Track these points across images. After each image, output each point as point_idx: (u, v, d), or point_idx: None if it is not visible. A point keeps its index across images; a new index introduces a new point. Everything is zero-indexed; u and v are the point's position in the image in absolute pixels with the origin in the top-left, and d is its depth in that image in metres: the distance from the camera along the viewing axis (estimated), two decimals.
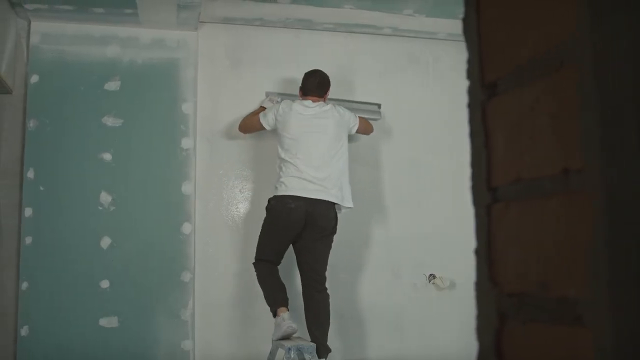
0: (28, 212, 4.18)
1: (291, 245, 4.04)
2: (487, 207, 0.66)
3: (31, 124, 4.25)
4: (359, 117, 4.35)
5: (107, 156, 4.31)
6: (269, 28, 4.65)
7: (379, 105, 4.68)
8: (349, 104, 4.44)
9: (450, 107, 4.87)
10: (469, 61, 0.70)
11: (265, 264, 3.99)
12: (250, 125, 4.30)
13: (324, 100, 4.21)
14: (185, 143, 4.42)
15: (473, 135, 0.68)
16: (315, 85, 4.19)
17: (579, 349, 0.52)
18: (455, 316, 4.68)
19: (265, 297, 3.94)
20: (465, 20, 0.70)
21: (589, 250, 0.51)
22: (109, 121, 4.33)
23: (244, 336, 4.32)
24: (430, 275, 4.68)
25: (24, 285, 4.13)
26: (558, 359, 0.55)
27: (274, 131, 4.18)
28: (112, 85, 4.37)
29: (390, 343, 4.60)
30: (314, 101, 4.14)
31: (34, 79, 4.29)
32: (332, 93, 4.34)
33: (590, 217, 0.50)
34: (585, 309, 0.51)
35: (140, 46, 4.44)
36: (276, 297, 3.91)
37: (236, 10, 4.35)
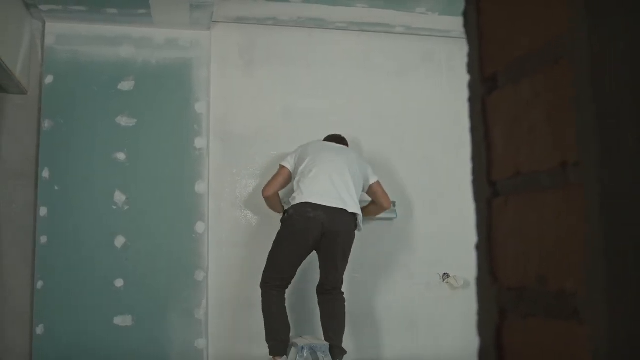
0: (43, 211, 4.21)
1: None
2: (487, 202, 0.65)
3: (46, 124, 4.28)
4: (380, 183, 4.23)
5: (121, 156, 4.33)
6: (282, 27, 4.66)
7: (393, 204, 4.56)
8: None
9: (463, 105, 4.83)
10: (469, 55, 0.69)
11: (274, 292, 3.86)
12: (274, 181, 4.14)
13: None
14: (199, 142, 4.43)
15: (473, 129, 0.68)
16: (331, 137, 4.26)
17: (576, 344, 0.52)
18: (469, 316, 4.66)
19: (267, 332, 3.86)
20: (465, 15, 0.70)
21: (586, 244, 0.50)
22: (123, 121, 4.36)
23: (257, 335, 4.31)
24: (444, 274, 4.67)
25: (39, 284, 4.16)
26: (556, 354, 0.55)
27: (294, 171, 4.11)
28: (126, 85, 4.39)
29: (404, 342, 4.59)
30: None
31: (49, 79, 4.33)
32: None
33: (586, 211, 0.50)
34: (581, 303, 0.51)
35: (153, 46, 4.46)
36: (278, 339, 3.83)
37: (249, 9, 4.36)
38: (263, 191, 4.15)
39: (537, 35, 0.58)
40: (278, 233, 3.94)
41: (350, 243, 3.96)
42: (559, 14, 0.55)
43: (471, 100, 0.68)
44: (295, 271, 3.95)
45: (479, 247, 0.67)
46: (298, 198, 3.85)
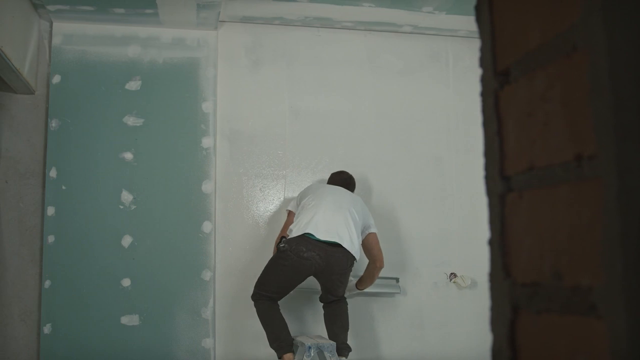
0: (50, 211, 4.22)
1: None
2: (500, 197, 0.65)
3: (53, 123, 4.29)
4: (376, 235, 4.18)
5: (128, 155, 4.33)
6: (288, 27, 4.65)
7: (397, 280, 4.56)
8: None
9: (471, 104, 4.84)
10: (482, 49, 0.69)
11: (266, 301, 3.89)
12: (284, 229, 4.14)
13: None
14: (206, 142, 4.43)
15: (486, 124, 0.67)
16: (341, 180, 4.23)
17: (593, 338, 0.51)
18: (476, 315, 4.65)
19: (269, 338, 3.88)
20: (477, 9, 0.70)
21: (603, 238, 0.50)
22: (130, 121, 4.36)
23: (263, 334, 4.30)
24: (451, 274, 4.66)
25: (47, 284, 4.17)
26: (572, 349, 0.54)
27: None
28: (133, 85, 4.40)
29: (411, 342, 4.58)
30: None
31: (56, 79, 4.34)
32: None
33: (604, 204, 0.49)
34: (599, 297, 0.50)
35: (160, 46, 4.46)
36: (281, 340, 3.84)
37: (256, 9, 4.36)
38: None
39: (550, 27, 0.58)
40: (271, 258, 3.95)
41: (347, 274, 3.96)
42: (572, 4, 0.55)
43: (483, 94, 0.67)
44: (287, 293, 3.97)
45: (491, 242, 0.66)
46: (295, 231, 3.86)
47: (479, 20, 0.69)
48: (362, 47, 4.77)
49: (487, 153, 0.67)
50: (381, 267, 4.18)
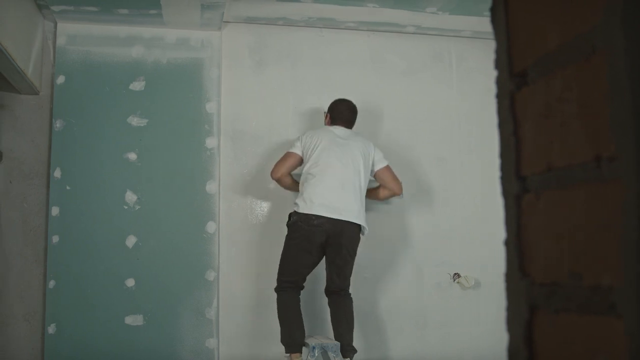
0: (55, 211, 4.23)
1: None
2: (516, 197, 0.65)
3: (58, 124, 4.30)
4: (389, 167, 4.21)
5: (132, 156, 4.34)
6: (292, 27, 4.66)
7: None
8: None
9: (474, 104, 4.85)
10: (497, 51, 0.69)
11: (288, 293, 3.93)
12: (282, 164, 4.11)
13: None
14: (210, 142, 4.44)
15: (502, 124, 0.68)
16: (345, 112, 4.18)
17: (612, 338, 0.52)
18: (480, 316, 4.66)
19: (282, 334, 3.91)
20: (493, 10, 0.70)
21: (622, 238, 0.50)
22: (134, 121, 4.37)
23: (268, 334, 4.32)
24: (455, 274, 4.66)
25: (51, 284, 4.18)
26: (591, 348, 0.55)
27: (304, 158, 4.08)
28: (137, 86, 4.40)
29: (414, 342, 4.58)
30: (342, 128, 4.13)
31: (60, 79, 4.34)
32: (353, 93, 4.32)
33: (623, 205, 0.50)
34: (618, 297, 0.51)
35: (164, 46, 4.47)
36: (293, 339, 3.87)
37: (259, 9, 4.36)
38: (271, 173, 4.14)
39: (568, 29, 0.58)
40: (286, 238, 3.99)
41: (355, 246, 3.99)
42: (590, 6, 0.55)
43: (499, 96, 0.68)
44: (307, 273, 3.99)
45: (507, 242, 0.67)
46: (302, 207, 3.88)
47: (494, 22, 0.70)
48: (365, 48, 4.78)
49: (503, 154, 0.67)
50: (399, 194, 4.29)
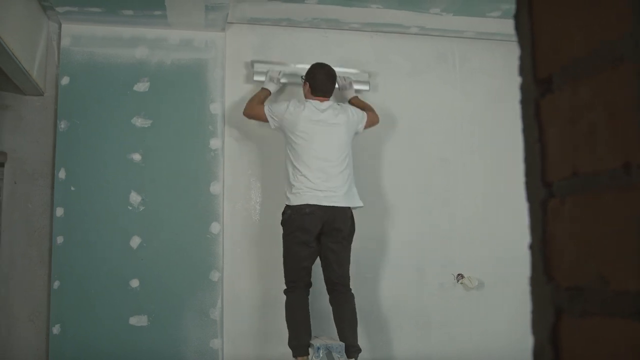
0: (59, 212, 4.24)
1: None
2: (542, 203, 0.66)
3: (62, 125, 4.31)
4: (368, 112, 4.30)
5: (137, 156, 4.35)
6: (296, 28, 4.66)
7: (368, 75, 4.66)
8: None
9: (477, 105, 4.86)
10: (521, 57, 0.70)
11: (296, 294, 3.95)
12: (256, 114, 4.20)
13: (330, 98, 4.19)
14: (214, 143, 4.45)
15: (526, 130, 0.68)
16: (325, 82, 4.14)
17: (638, 343, 0.53)
18: (484, 317, 4.67)
19: (289, 337, 3.93)
20: (517, 17, 0.71)
21: None
22: (138, 122, 4.38)
23: (272, 335, 4.33)
24: (459, 275, 4.67)
25: (56, 284, 4.18)
26: (617, 352, 0.56)
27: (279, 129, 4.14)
28: (141, 86, 4.41)
29: (417, 343, 4.59)
30: (322, 101, 4.11)
31: (65, 80, 4.35)
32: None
33: None
34: None
35: (168, 47, 4.48)
36: (300, 343, 3.89)
37: (263, 10, 4.37)
38: (243, 111, 4.28)
39: (595, 36, 0.59)
40: (282, 237, 4.00)
41: (349, 228, 4.01)
42: (617, 14, 0.56)
43: (523, 102, 0.69)
44: (309, 266, 4.00)
45: (532, 247, 0.68)
46: (293, 200, 3.92)
47: (518, 28, 0.70)
48: (369, 49, 4.79)
49: (528, 160, 0.68)
50: (377, 123, 4.41)
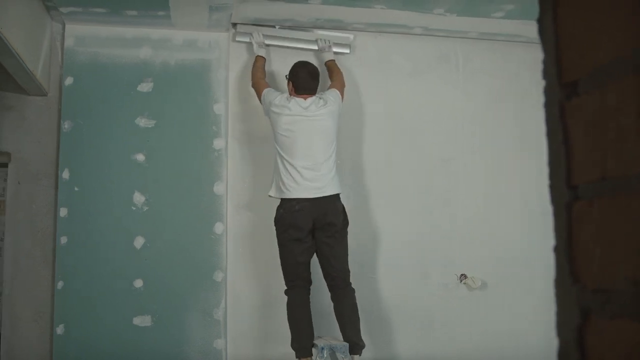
0: (63, 212, 4.24)
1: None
2: (567, 205, 0.66)
3: (66, 125, 4.31)
4: (337, 85, 4.34)
5: (140, 157, 4.35)
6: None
7: (349, 38, 4.68)
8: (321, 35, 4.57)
9: (479, 105, 4.87)
10: (545, 61, 0.70)
11: (296, 292, 3.97)
12: (257, 90, 4.28)
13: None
14: (217, 144, 4.45)
15: (551, 134, 0.69)
16: (308, 81, 4.17)
17: None
18: (487, 317, 4.67)
19: (292, 338, 3.95)
20: (540, 21, 0.71)
21: None
22: (142, 122, 4.38)
23: (275, 335, 4.33)
24: (462, 275, 4.67)
25: (60, 285, 4.19)
26: None
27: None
28: (145, 87, 4.42)
29: (419, 343, 4.60)
30: (305, 99, 4.13)
31: (69, 81, 4.35)
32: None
33: None
34: None
35: (172, 48, 4.48)
36: (302, 344, 3.91)
37: (267, 10, 4.37)
38: (251, 84, 4.37)
39: (623, 43, 0.59)
40: (277, 237, 4.03)
41: (341, 219, 4.02)
42: None
43: (547, 105, 0.69)
44: (306, 263, 4.01)
45: (557, 249, 0.68)
46: (284, 193, 3.98)
47: (541, 32, 0.71)
48: (372, 49, 4.79)
49: (552, 163, 0.69)
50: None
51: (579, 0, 0.67)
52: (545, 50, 0.70)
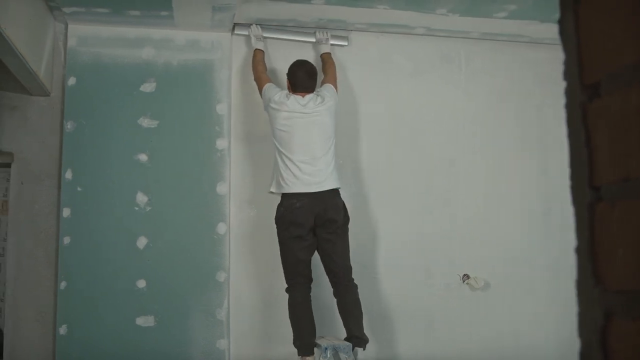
0: (66, 212, 4.24)
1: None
2: (589, 206, 0.67)
3: (69, 125, 4.31)
4: (330, 79, 4.37)
5: (143, 157, 4.35)
6: (302, 29, 4.66)
7: (346, 38, 4.70)
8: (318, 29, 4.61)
9: (480, 105, 4.87)
10: (566, 63, 0.71)
11: (297, 291, 3.98)
12: (258, 85, 4.31)
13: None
14: (220, 144, 4.45)
15: (572, 135, 0.69)
16: (305, 80, 4.20)
17: None
18: (488, 317, 4.68)
19: (294, 336, 3.96)
20: (561, 23, 0.71)
21: None
22: (145, 122, 4.38)
23: (278, 335, 4.33)
24: (464, 275, 4.67)
25: (63, 285, 4.19)
26: None
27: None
28: (148, 87, 4.41)
29: (422, 343, 4.60)
30: (303, 96, 4.14)
31: (71, 81, 4.35)
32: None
33: None
34: None
35: (175, 48, 4.48)
36: (304, 342, 3.92)
37: (270, 10, 4.37)
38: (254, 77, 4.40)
39: None
40: (277, 235, 4.04)
41: (342, 215, 4.04)
42: None
43: (569, 106, 0.69)
44: (307, 260, 4.02)
45: (579, 250, 0.68)
46: (284, 188, 4.00)
47: (562, 33, 0.71)
48: (374, 49, 4.79)
49: (574, 164, 0.69)
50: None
51: (600, 0, 0.67)
52: (566, 51, 0.70)
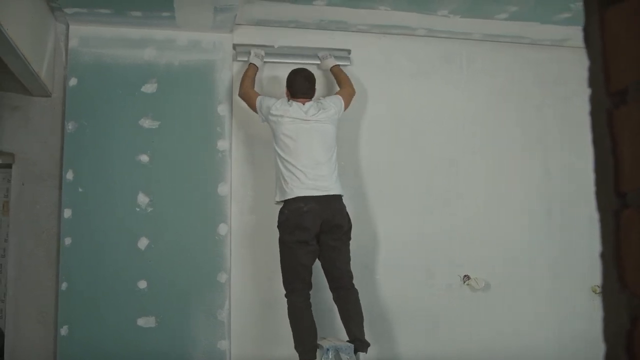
0: (67, 213, 4.24)
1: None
2: (615, 212, 0.67)
3: (70, 126, 4.31)
4: (343, 90, 4.39)
5: (145, 158, 4.35)
6: (304, 29, 4.67)
7: (348, 52, 4.71)
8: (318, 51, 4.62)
9: (480, 106, 4.88)
10: (591, 69, 0.71)
11: (297, 295, 3.96)
12: (248, 100, 4.29)
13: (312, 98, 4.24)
14: (221, 145, 4.45)
15: (597, 141, 0.70)
16: (303, 85, 4.21)
17: None
18: (489, 317, 4.69)
19: (295, 342, 3.94)
20: (586, 29, 0.72)
21: None
22: (146, 123, 4.38)
23: (279, 336, 4.33)
24: (465, 276, 4.68)
25: (64, 286, 4.18)
26: None
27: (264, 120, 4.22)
28: (149, 88, 4.41)
29: (423, 343, 4.61)
30: (303, 103, 4.16)
31: (73, 81, 4.35)
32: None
33: None
34: None
35: (176, 48, 4.48)
36: (306, 346, 3.90)
37: (271, 12, 4.37)
38: (238, 93, 4.37)
39: None
40: (279, 240, 4.01)
41: (347, 222, 4.04)
42: None
43: (594, 113, 0.70)
44: (310, 267, 4.00)
45: (604, 256, 0.69)
46: (289, 193, 3.97)
47: (587, 40, 0.72)
48: (376, 50, 4.80)
49: (599, 170, 0.69)
50: (354, 93, 4.49)
51: (626, 7, 0.67)
52: (591, 57, 0.71)
